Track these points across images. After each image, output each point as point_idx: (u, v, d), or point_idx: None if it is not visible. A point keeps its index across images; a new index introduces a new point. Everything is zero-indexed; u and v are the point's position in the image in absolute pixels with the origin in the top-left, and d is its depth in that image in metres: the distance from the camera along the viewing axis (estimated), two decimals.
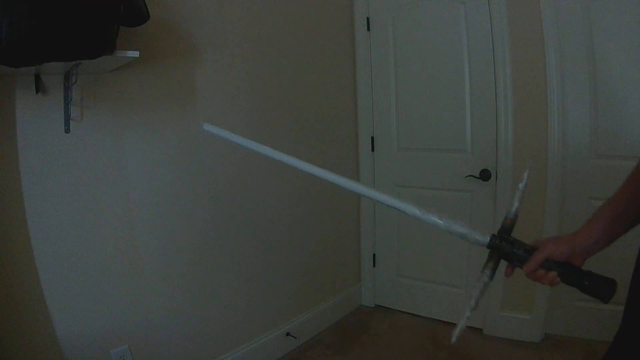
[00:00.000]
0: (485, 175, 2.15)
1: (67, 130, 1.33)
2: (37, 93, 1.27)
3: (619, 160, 1.87)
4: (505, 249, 0.77)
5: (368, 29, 2.47)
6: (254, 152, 0.96)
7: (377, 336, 2.33)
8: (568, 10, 1.90)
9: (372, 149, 2.56)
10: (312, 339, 2.30)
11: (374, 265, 2.66)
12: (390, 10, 2.39)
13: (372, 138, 2.55)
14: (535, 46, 1.97)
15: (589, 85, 1.92)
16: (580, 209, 1.99)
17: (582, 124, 1.96)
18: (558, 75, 1.94)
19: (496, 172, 2.14)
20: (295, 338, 2.17)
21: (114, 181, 1.49)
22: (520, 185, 0.81)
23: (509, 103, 2.06)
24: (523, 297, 2.13)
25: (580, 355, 1.96)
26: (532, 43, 1.98)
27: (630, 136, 1.88)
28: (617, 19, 1.82)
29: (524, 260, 0.75)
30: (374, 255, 2.66)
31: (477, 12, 2.09)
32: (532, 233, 2.00)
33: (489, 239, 0.77)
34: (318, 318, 2.36)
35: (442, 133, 2.30)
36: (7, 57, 0.95)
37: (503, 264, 0.79)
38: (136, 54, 1.20)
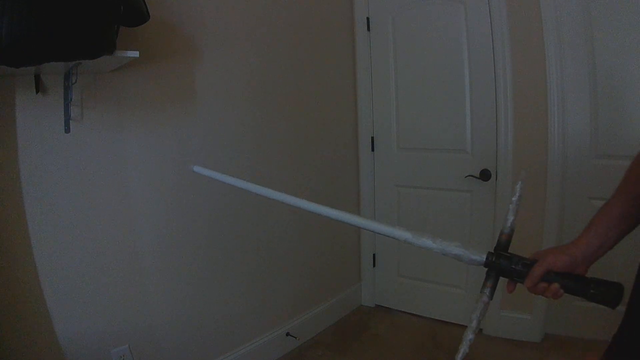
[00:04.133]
0: (485, 175, 2.15)
1: (67, 130, 1.33)
2: (37, 93, 1.27)
3: (619, 160, 1.86)
4: (503, 265, 0.75)
5: (368, 29, 2.47)
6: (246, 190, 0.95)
7: (377, 336, 2.33)
8: (568, 10, 1.90)
9: (372, 149, 2.56)
10: (312, 339, 2.30)
11: (374, 265, 2.66)
12: (390, 10, 2.39)
13: (372, 138, 2.55)
14: (535, 46, 1.97)
15: (589, 85, 1.92)
16: (580, 209, 1.99)
17: (582, 124, 1.96)
18: (558, 76, 1.94)
19: (496, 172, 2.14)
20: (295, 338, 2.17)
21: (114, 181, 1.49)
22: (514, 199, 0.78)
23: (509, 103, 2.06)
24: (523, 297, 2.09)
25: (580, 355, 1.96)
26: (532, 43, 1.98)
27: (630, 136, 1.88)
28: (617, 19, 1.82)
29: (524, 275, 0.73)
30: (374, 255, 2.66)
31: (477, 12, 2.09)
32: (532, 234, 2.03)
33: (485, 257, 0.75)
34: (318, 318, 2.36)
35: (442, 133, 2.29)
36: (7, 57, 0.95)
37: (503, 281, 0.77)
38: (136, 54, 1.21)
